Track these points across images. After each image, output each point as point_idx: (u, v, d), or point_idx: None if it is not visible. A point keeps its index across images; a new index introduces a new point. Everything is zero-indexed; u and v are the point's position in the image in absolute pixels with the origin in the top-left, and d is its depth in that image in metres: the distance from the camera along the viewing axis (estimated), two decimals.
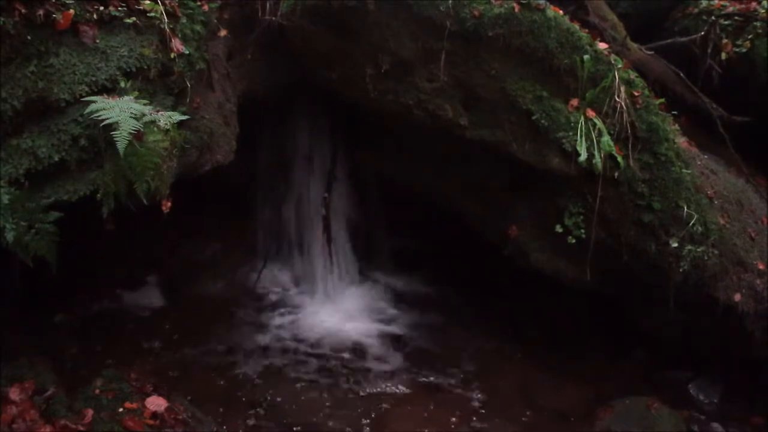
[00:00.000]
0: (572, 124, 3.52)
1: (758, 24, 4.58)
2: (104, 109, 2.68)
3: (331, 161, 4.78)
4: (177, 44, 3.14)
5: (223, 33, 3.62)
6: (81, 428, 2.88)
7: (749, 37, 4.58)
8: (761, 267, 3.80)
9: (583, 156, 3.47)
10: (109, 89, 2.89)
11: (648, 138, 3.60)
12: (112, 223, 2.87)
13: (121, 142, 2.61)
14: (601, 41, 3.83)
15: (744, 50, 4.56)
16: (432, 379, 3.99)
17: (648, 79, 4.13)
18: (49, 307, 4.04)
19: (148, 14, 3.08)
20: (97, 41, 2.92)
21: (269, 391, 3.74)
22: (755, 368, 4.00)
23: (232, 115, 3.65)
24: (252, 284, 4.73)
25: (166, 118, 2.83)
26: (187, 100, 3.22)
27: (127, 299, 4.40)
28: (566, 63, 3.53)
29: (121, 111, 2.67)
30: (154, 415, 3.08)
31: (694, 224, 3.59)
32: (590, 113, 3.55)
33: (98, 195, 2.83)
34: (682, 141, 3.83)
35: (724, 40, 4.63)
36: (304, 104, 4.58)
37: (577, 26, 3.64)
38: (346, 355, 4.15)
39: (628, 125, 3.56)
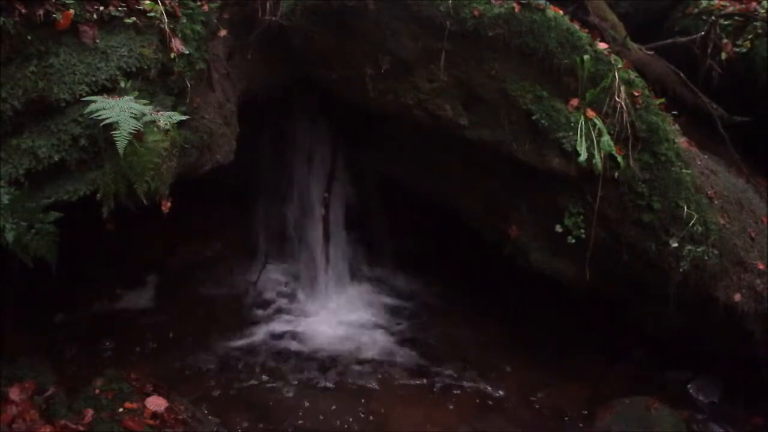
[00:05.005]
0: (572, 124, 3.52)
1: (758, 24, 4.58)
2: (104, 109, 2.68)
3: (331, 161, 4.78)
4: (177, 44, 3.14)
5: (223, 33, 3.62)
6: (81, 428, 2.88)
7: (749, 37, 4.58)
8: (761, 267, 3.80)
9: (583, 156, 3.47)
10: (109, 89, 2.90)
11: (648, 138, 3.60)
12: (112, 223, 2.87)
13: (121, 142, 2.62)
14: (601, 41, 3.83)
15: (744, 50, 4.56)
16: (431, 379, 3.99)
17: (648, 79, 4.13)
18: (49, 307, 4.04)
19: (148, 14, 3.08)
20: (97, 41, 2.92)
21: (269, 392, 3.74)
22: (755, 368, 3.99)
23: (232, 115, 3.65)
24: (252, 284, 4.73)
25: (166, 118, 2.83)
26: (187, 100, 3.22)
27: (126, 299, 4.40)
28: (566, 63, 3.53)
29: (121, 111, 2.68)
30: (154, 415, 3.08)
31: (694, 224, 3.59)
32: (590, 113, 3.55)
33: (98, 195, 2.83)
34: (682, 141, 3.83)
35: (724, 40, 4.62)
36: (304, 104, 4.58)
37: (577, 26, 3.64)
38: (345, 356, 4.14)
39: (628, 125, 3.56)
